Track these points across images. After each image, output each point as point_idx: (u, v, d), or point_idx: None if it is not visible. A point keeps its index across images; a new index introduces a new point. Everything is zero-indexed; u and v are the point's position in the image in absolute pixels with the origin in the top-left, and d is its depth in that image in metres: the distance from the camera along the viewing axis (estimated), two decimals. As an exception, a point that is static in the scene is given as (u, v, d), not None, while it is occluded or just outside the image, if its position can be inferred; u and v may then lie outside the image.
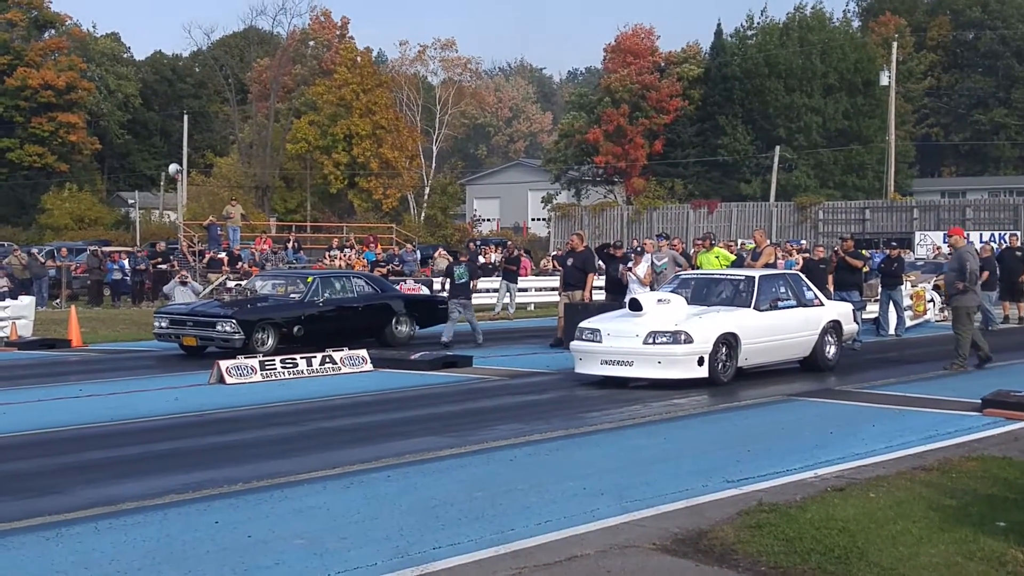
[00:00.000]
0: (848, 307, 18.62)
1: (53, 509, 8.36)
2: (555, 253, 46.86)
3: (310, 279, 21.52)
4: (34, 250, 39.52)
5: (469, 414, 13.50)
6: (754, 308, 16.09)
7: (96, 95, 77.31)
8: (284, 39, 74.85)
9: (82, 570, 6.80)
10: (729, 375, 15.40)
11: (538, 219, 73.99)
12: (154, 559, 6.99)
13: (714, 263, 21.20)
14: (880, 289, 24.37)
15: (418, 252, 43.18)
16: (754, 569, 6.79)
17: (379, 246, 44.65)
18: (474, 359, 18.32)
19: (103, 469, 10.03)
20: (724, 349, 15.29)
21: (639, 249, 22.38)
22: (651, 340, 14.93)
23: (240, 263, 37.32)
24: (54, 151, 72.80)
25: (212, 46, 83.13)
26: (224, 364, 16.23)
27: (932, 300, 27.85)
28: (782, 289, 17.08)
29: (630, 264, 21.23)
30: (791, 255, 31.60)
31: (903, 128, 64.71)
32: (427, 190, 68.72)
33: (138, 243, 49.29)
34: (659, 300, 15.79)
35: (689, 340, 14.85)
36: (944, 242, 40.34)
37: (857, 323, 20.98)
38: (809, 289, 17.60)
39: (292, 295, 21.02)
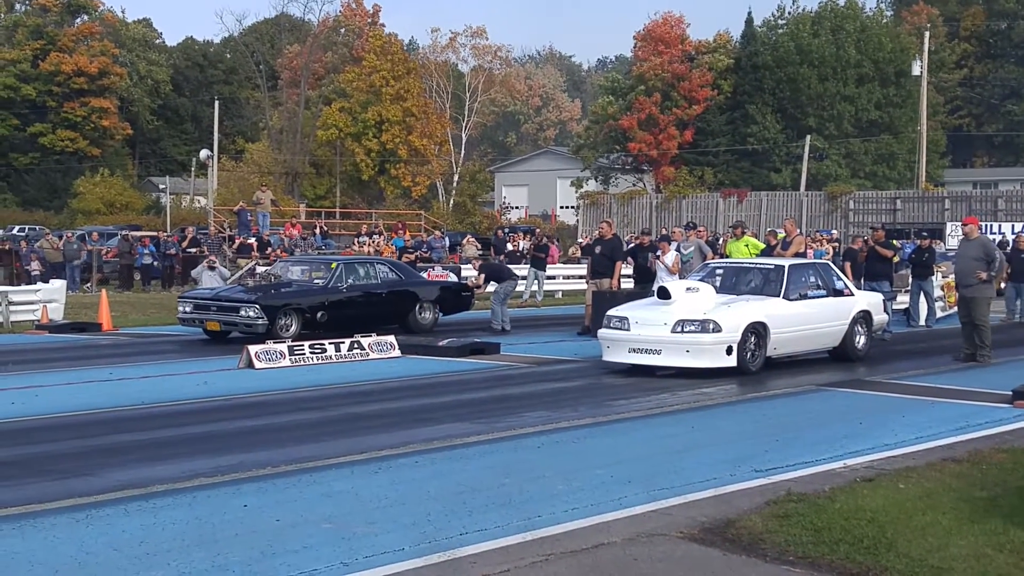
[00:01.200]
0: (879, 297, 18.44)
1: (84, 491, 8.41)
2: (582, 241, 46.84)
3: (334, 265, 21.38)
4: (68, 233, 39.81)
5: (496, 401, 13.50)
6: (783, 297, 15.97)
7: (128, 81, 77.78)
8: (315, 26, 75.00)
9: (112, 552, 6.84)
10: (758, 365, 15.30)
11: (567, 207, 73.89)
12: (183, 541, 7.03)
13: (744, 251, 21.13)
14: (911, 280, 24.21)
15: (446, 239, 43.18)
16: (782, 559, 6.76)
17: (407, 233, 44.69)
18: (501, 346, 18.33)
19: (133, 452, 10.08)
20: (753, 338, 15.17)
21: (667, 237, 22.33)
22: (679, 329, 14.85)
23: (269, 249, 37.43)
24: (86, 136, 73.39)
25: (243, 32, 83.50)
26: (253, 349, 16.30)
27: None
28: (812, 279, 16.96)
29: (659, 253, 21.19)
30: (821, 245, 31.41)
31: (935, 119, 64.23)
32: (456, 177, 68.73)
33: (168, 228, 49.51)
34: (688, 288, 15.68)
35: (718, 329, 14.77)
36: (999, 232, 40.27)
37: (888, 314, 20.87)
38: (839, 279, 17.50)
39: (316, 281, 20.90)
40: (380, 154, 62.47)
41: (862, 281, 21.28)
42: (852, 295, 17.41)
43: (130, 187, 70.77)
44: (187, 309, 20.57)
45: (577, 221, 61.63)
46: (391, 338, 18.10)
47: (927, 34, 56.97)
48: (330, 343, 17.23)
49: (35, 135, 72.61)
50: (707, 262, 18.89)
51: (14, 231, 51.70)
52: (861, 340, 17.22)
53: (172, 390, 14.01)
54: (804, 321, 16.15)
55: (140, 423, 11.71)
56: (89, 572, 6.50)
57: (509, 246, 41.89)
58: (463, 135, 75.55)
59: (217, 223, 45.88)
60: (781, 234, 23.55)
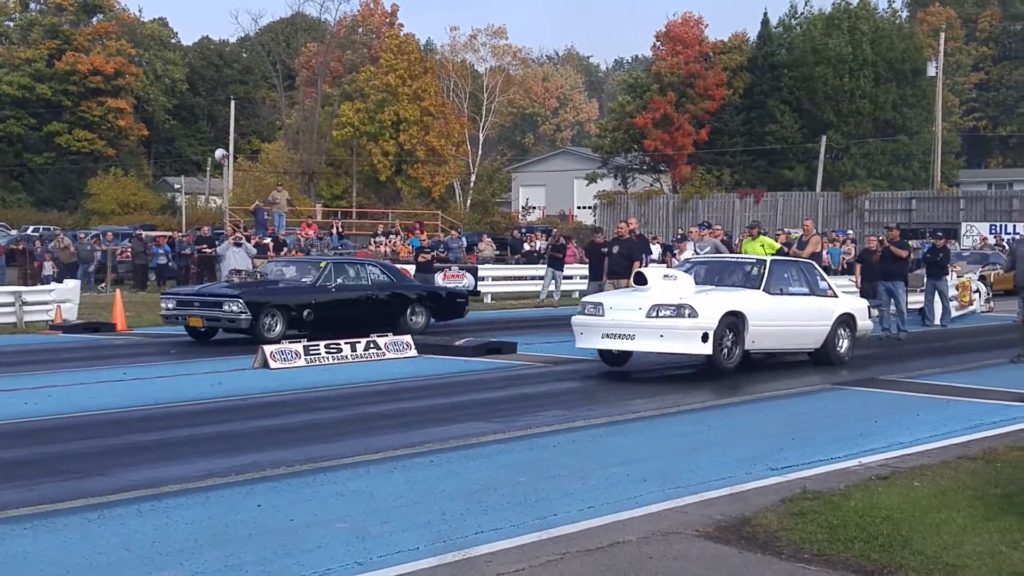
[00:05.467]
0: (863, 303, 18.08)
1: (96, 491, 8.42)
2: (598, 241, 46.67)
3: (323, 264, 21.08)
4: (81, 234, 39.92)
5: (512, 400, 13.52)
6: (763, 291, 15.68)
7: (144, 80, 77.94)
8: (332, 26, 75.10)
9: (124, 552, 6.84)
10: (735, 358, 14.95)
11: (584, 207, 73.81)
12: (196, 541, 7.03)
13: (759, 251, 21.07)
14: (926, 279, 24.15)
15: (463, 239, 43.15)
16: (797, 556, 6.75)
17: (424, 233, 44.69)
18: (518, 346, 18.33)
19: (146, 452, 10.10)
20: (730, 330, 14.80)
21: (684, 236, 22.35)
22: (654, 313, 14.59)
23: (285, 249, 37.47)
24: (102, 136, 73.56)
25: (259, 32, 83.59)
26: (268, 349, 16.33)
27: (978, 291, 27.57)
28: (795, 276, 16.65)
29: (675, 251, 21.21)
30: (839, 244, 31.31)
31: (949, 120, 63.95)
32: (473, 177, 68.73)
33: (184, 228, 49.63)
34: (665, 276, 15.53)
35: (694, 314, 14.44)
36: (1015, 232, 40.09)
37: (903, 312, 20.81)
38: (823, 279, 17.14)
39: (304, 280, 20.54)
40: (397, 154, 62.51)
41: (877, 281, 21.24)
42: (836, 296, 16.97)
43: (145, 187, 70.95)
44: (170, 306, 20.20)
45: (595, 221, 61.59)
46: (407, 338, 18.13)
47: (942, 35, 56.77)
48: (346, 343, 17.21)
49: (51, 134, 72.83)
50: (688, 257, 18.86)
51: (28, 231, 51.85)
52: (844, 344, 16.76)
53: (186, 390, 14.02)
54: (784, 317, 15.82)
55: (154, 423, 11.73)
56: (101, 572, 6.51)
57: (526, 246, 41.89)
58: (480, 135, 75.55)
59: (232, 223, 45.95)
60: (795, 234, 23.54)
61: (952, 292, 24.84)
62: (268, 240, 39.63)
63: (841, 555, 6.73)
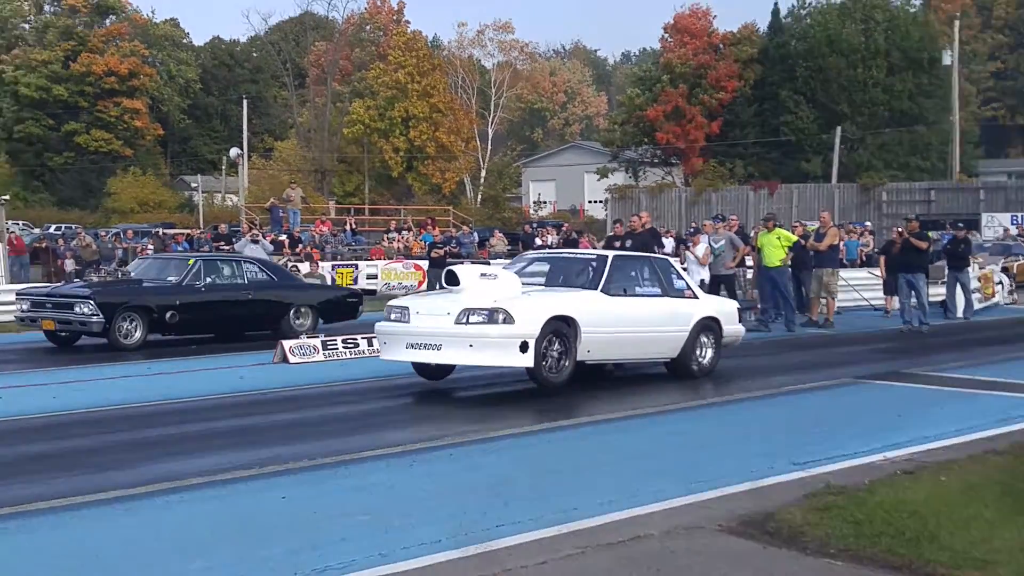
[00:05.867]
0: (732, 305, 16.09)
1: (125, 483, 8.43)
2: (611, 234, 46.61)
3: (191, 261, 19.56)
4: (102, 232, 40.07)
5: (529, 394, 13.45)
6: (601, 291, 13.49)
7: (157, 81, 78.22)
8: (340, 24, 75.24)
9: (155, 542, 6.89)
10: (564, 371, 12.70)
11: (595, 201, 73.72)
12: (224, 532, 7.07)
13: (776, 244, 21.01)
14: (947, 271, 24.01)
15: (475, 234, 43.13)
16: (823, 551, 6.69)
17: (436, 228, 44.69)
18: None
19: (170, 445, 10.11)
20: (556, 337, 12.60)
21: (698, 230, 22.26)
22: (464, 319, 12.39)
23: (300, 246, 37.52)
24: (119, 136, 73.87)
25: (269, 31, 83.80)
26: (287, 344, 16.42)
27: (1001, 282, 27.42)
28: (645, 275, 14.62)
29: (688, 244, 21.12)
30: (854, 236, 31.15)
31: (967, 110, 63.61)
32: (483, 173, 68.72)
33: (201, 226, 49.78)
34: (483, 274, 13.21)
35: (509, 320, 12.24)
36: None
37: (924, 305, 20.68)
38: (680, 278, 15.19)
39: (169, 278, 19.04)
40: (408, 151, 62.57)
41: (899, 273, 21.14)
42: (696, 298, 14.99)
43: (163, 186, 71.26)
44: (24, 307, 18.91)
45: (606, 215, 61.46)
46: None
47: (957, 23, 56.43)
48: (363, 338, 17.18)
49: (69, 135, 73.14)
50: (527, 254, 17.02)
51: (50, 230, 52.12)
52: (707, 353, 14.69)
53: (208, 385, 14.05)
54: (629, 322, 13.70)
55: (177, 416, 11.75)
56: (134, 562, 6.54)
57: (538, 241, 41.79)
58: (489, 130, 75.53)
59: (249, 220, 45.99)
60: (811, 226, 23.42)
61: (975, 284, 24.70)
62: (284, 237, 39.70)
63: (868, 550, 6.66)
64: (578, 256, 15.55)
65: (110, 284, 19.41)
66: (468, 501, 7.80)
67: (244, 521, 7.36)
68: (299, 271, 27.12)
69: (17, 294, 20.13)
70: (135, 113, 74.22)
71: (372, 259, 37.12)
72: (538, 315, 12.43)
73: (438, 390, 13.84)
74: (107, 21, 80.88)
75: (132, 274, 20.19)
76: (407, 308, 13.05)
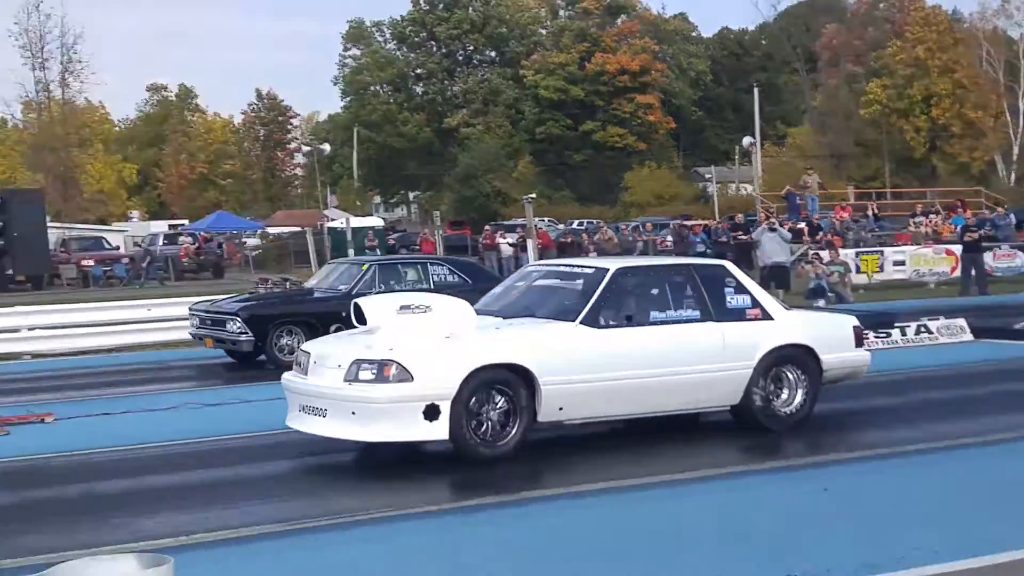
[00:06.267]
0: (837, 324, 11.23)
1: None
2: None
3: (365, 267, 17.61)
4: (622, 226, 41.52)
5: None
6: (582, 323, 9.70)
7: (669, 75, 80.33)
8: (852, 4, 73.46)
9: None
10: (508, 441, 9.24)
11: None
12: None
13: None
14: None
15: (1011, 216, 40.14)
16: None
17: (967, 211, 42.14)
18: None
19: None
20: (497, 394, 9.23)
21: None
22: (353, 375, 9.06)
23: (820, 233, 36.84)
24: (633, 131, 76.83)
25: (778, 17, 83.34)
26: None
27: None
28: (674, 291, 10.33)
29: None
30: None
31: None
32: (1016, 150, 64.17)
33: (716, 216, 50.34)
34: (404, 307, 9.53)
35: (405, 377, 8.88)
36: None
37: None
38: (740, 293, 10.55)
39: (340, 286, 17.02)
40: (930, 130, 59.86)
41: None
42: (769, 319, 10.51)
43: (677, 178, 73.05)
44: (195, 324, 17.45)
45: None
46: (961, 321, 17.42)
47: None
48: (897, 326, 16.53)
49: (586, 133, 77.00)
50: (527, 266, 13.66)
51: (573, 225, 54.88)
52: (793, 396, 10.50)
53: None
54: (635, 362, 9.78)
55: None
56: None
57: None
58: (1020, 104, 70.30)
59: (765, 208, 45.88)
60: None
61: None
62: (802, 224, 39.16)
63: None
64: (567, 271, 11.09)
65: (267, 297, 18.40)
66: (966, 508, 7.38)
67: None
68: (820, 259, 26.58)
69: (191, 308, 18.26)
70: (648, 108, 76.78)
71: (898, 244, 35.65)
72: (455, 366, 9.02)
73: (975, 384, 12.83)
74: (618, 20, 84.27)
75: (315, 282, 18.62)
76: (309, 354, 9.80)
